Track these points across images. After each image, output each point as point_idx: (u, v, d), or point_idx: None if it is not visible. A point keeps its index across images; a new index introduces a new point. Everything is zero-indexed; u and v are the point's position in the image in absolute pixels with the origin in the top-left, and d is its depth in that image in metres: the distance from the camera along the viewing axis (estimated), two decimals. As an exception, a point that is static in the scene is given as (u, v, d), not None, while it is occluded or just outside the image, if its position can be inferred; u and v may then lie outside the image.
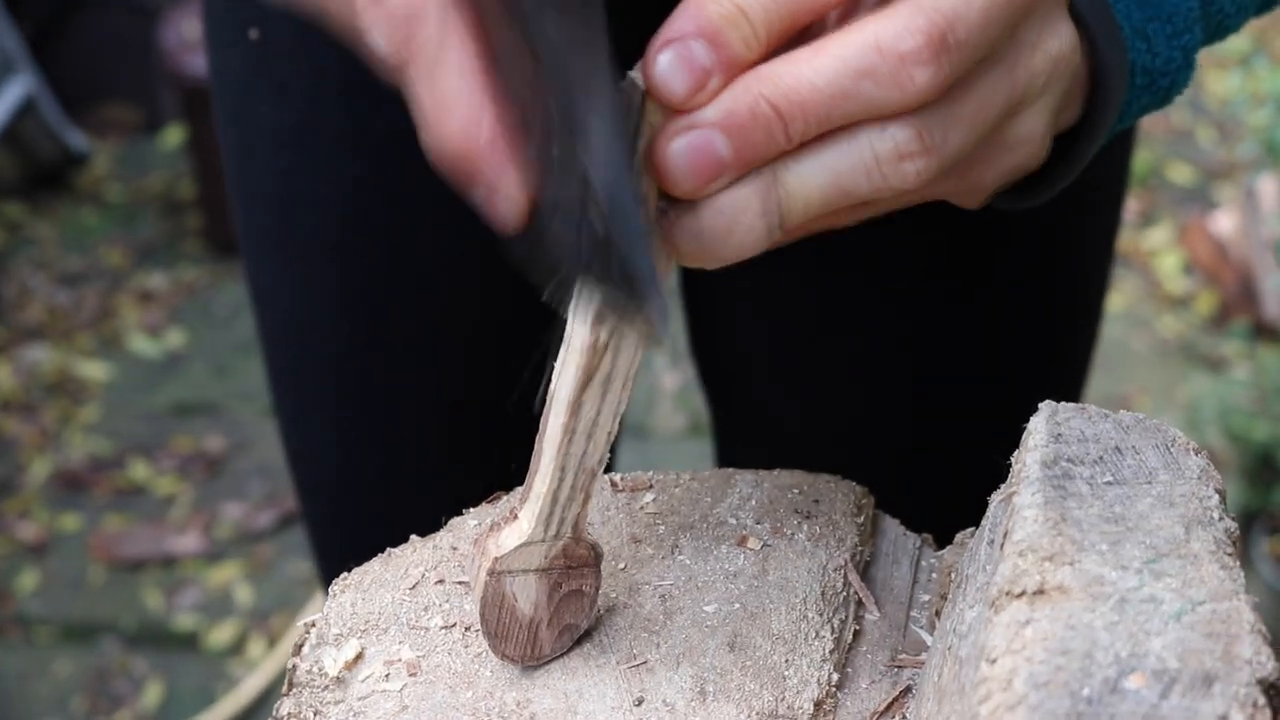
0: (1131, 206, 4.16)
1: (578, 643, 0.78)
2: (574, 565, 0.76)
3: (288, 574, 3.13)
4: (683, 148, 0.67)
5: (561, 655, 0.78)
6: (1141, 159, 4.31)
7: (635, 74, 0.68)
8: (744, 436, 1.34)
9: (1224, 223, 3.82)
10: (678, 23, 0.66)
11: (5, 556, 3.21)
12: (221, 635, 3.02)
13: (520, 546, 0.74)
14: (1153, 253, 4.00)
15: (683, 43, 0.66)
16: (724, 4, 0.66)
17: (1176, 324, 3.75)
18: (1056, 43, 0.73)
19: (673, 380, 3.56)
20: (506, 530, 0.74)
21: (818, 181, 0.68)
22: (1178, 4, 0.83)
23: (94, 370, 3.74)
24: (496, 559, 0.74)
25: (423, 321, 1.19)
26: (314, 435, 1.30)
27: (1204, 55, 4.29)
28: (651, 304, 0.65)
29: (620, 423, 0.73)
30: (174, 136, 4.46)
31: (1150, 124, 4.49)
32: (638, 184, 0.68)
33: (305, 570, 3.11)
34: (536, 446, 0.73)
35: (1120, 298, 3.83)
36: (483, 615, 0.75)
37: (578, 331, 0.69)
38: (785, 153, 0.68)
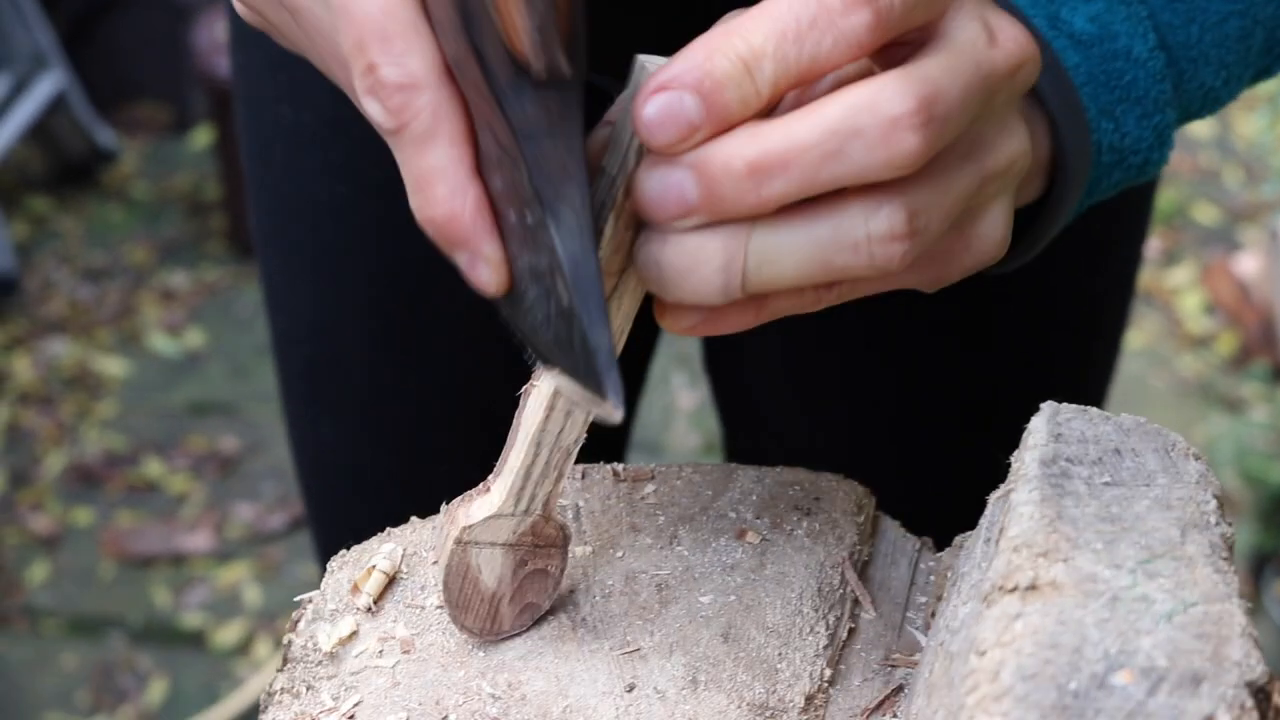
0: (1155, 245, 4.15)
1: (573, 628, 0.78)
2: (541, 544, 0.76)
3: (297, 576, 3.13)
4: (654, 182, 0.67)
5: (521, 634, 0.78)
6: (1167, 198, 4.30)
7: (647, 60, 0.69)
8: (753, 455, 1.34)
9: (1247, 264, 3.82)
10: (680, 66, 0.66)
11: (16, 547, 3.22)
12: (228, 635, 3.02)
13: (489, 518, 0.74)
14: (1175, 291, 3.99)
15: (677, 93, 0.65)
16: (732, 57, 0.66)
17: (1196, 363, 3.74)
18: (1013, 144, 0.74)
19: (689, 399, 3.56)
20: (478, 501, 0.75)
21: (798, 251, 0.68)
22: (1148, 87, 0.85)
23: (113, 366, 3.75)
24: (465, 528, 0.74)
25: (445, 325, 1.19)
26: (327, 437, 1.30)
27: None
28: (607, 378, 0.66)
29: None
30: (203, 137, 4.47)
31: (1177, 164, 4.48)
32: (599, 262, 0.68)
33: (315, 573, 3.10)
34: (515, 421, 0.73)
35: (1141, 335, 3.82)
36: (446, 584, 0.75)
37: None
38: (766, 214, 0.68)
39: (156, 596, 3.11)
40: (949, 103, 0.67)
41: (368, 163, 1.14)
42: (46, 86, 4.14)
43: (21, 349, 3.80)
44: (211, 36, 3.94)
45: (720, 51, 0.65)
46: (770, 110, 0.70)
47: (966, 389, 1.18)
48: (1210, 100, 0.89)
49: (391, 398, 1.24)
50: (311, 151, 1.16)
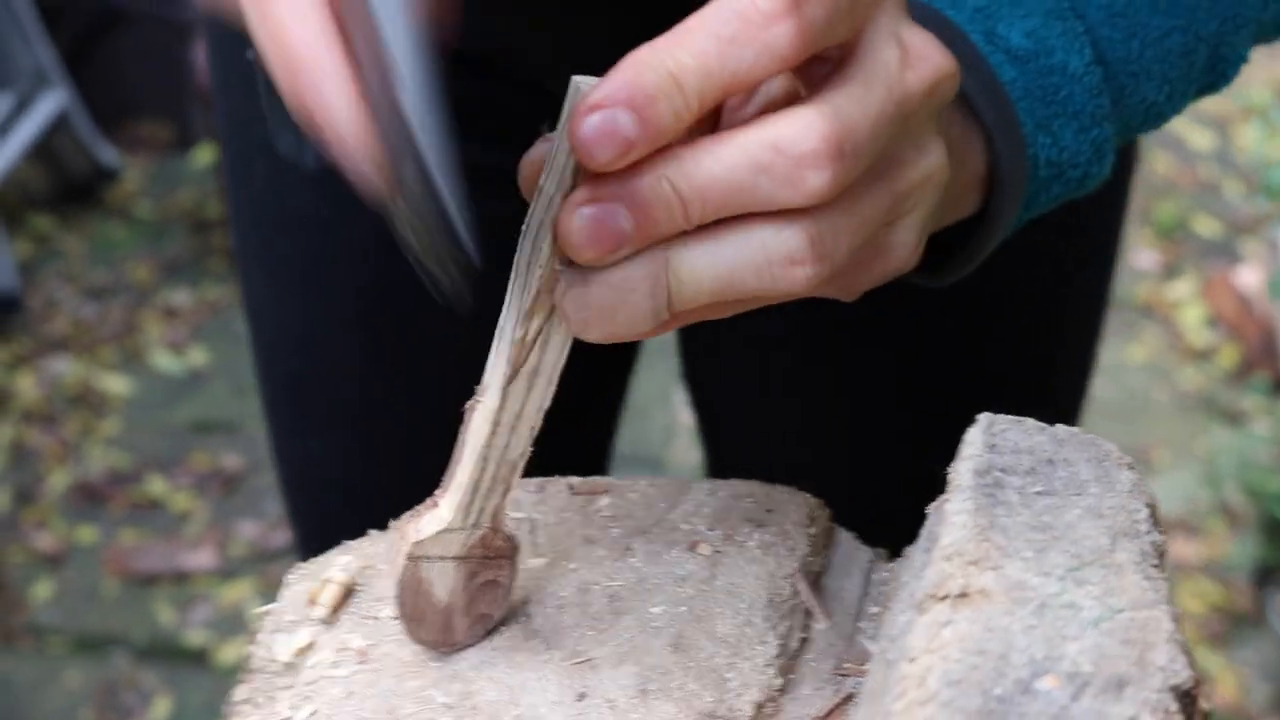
0: (1156, 258, 4.16)
1: (525, 638, 0.79)
2: (491, 555, 0.77)
3: (298, 593, 3.14)
4: (587, 217, 0.68)
5: (475, 644, 0.79)
6: (1167, 211, 4.31)
7: (582, 81, 0.69)
8: (725, 470, 1.35)
9: (1248, 276, 3.82)
10: (611, 86, 0.66)
11: (21, 566, 3.23)
12: (231, 652, 3.02)
13: (439, 533, 0.75)
14: (1176, 305, 3.99)
15: (611, 111, 0.66)
16: (661, 72, 0.66)
17: (1198, 376, 3.75)
18: (929, 159, 0.75)
19: (690, 416, 3.56)
20: (427, 516, 0.76)
21: (709, 272, 0.69)
22: (1084, 101, 0.86)
23: (116, 384, 3.76)
24: (415, 544, 0.75)
25: (434, 334, 1.20)
26: (316, 452, 1.30)
27: (1234, 109, 4.29)
28: (456, 225, 0.67)
29: (544, 417, 0.75)
30: (205, 155, 4.49)
31: (1177, 176, 4.49)
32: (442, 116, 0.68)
33: (315, 590, 3.11)
34: (460, 437, 0.75)
35: (1142, 349, 3.82)
36: (399, 598, 0.76)
37: (507, 325, 0.72)
38: (680, 238, 0.69)
39: (160, 614, 3.12)
40: (858, 138, 0.68)
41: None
42: (48, 105, 4.16)
43: (25, 367, 3.81)
44: (214, 56, 3.96)
45: (649, 67, 0.66)
46: (713, 126, 0.71)
47: (927, 403, 1.19)
48: (1154, 115, 0.90)
49: (381, 410, 1.25)
50: (292, 166, 1.18)
